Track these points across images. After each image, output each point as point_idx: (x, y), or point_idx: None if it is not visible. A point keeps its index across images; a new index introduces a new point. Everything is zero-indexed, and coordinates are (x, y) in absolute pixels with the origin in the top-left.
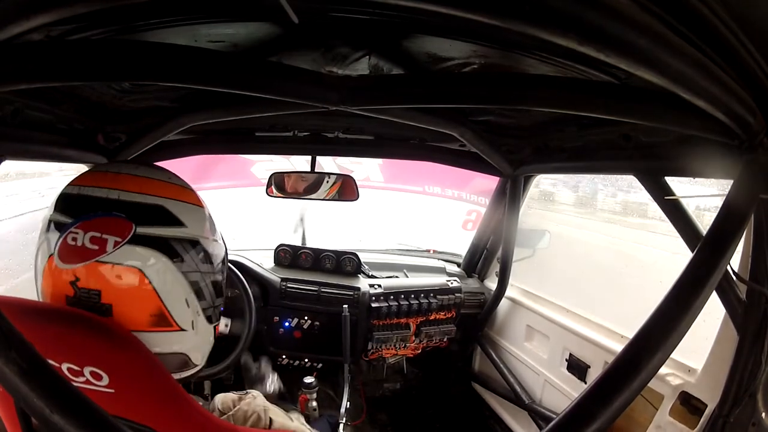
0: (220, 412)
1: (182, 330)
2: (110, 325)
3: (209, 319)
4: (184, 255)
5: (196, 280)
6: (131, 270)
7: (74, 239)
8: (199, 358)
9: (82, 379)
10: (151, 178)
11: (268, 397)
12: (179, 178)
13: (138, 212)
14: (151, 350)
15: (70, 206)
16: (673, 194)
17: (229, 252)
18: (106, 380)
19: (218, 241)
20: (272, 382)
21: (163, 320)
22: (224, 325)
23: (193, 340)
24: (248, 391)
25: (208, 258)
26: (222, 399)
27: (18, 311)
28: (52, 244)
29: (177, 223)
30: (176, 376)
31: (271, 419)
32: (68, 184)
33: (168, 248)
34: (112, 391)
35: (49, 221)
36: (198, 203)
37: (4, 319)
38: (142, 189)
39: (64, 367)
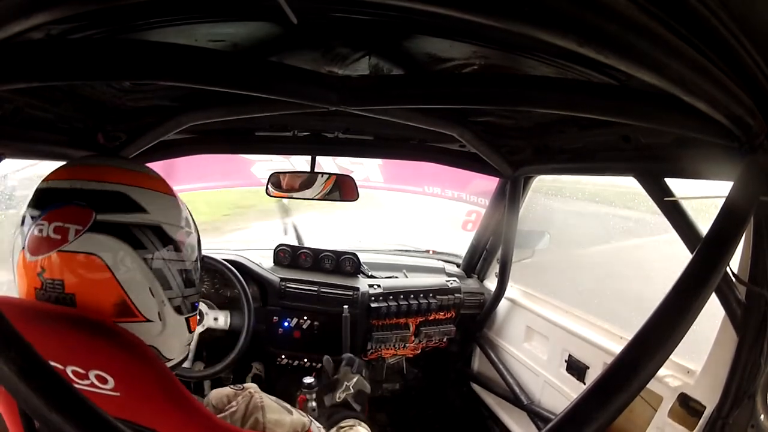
0: (213, 407)
1: (148, 321)
2: (116, 329)
3: (178, 310)
4: (146, 242)
5: (159, 268)
6: (91, 258)
7: (40, 230)
8: (173, 351)
9: (86, 382)
10: (112, 166)
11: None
12: (148, 168)
13: (98, 200)
14: None
15: (39, 200)
16: (672, 195)
17: (228, 252)
18: (111, 383)
19: (188, 230)
20: (344, 390)
21: (126, 310)
22: (213, 318)
23: (161, 331)
24: (243, 386)
25: (173, 245)
26: (216, 395)
27: (23, 313)
28: (23, 238)
29: (138, 209)
30: None
31: (267, 420)
32: (41, 180)
33: (128, 235)
34: (118, 394)
35: (23, 216)
36: (167, 191)
37: (4, 318)
38: (101, 177)
39: (69, 370)
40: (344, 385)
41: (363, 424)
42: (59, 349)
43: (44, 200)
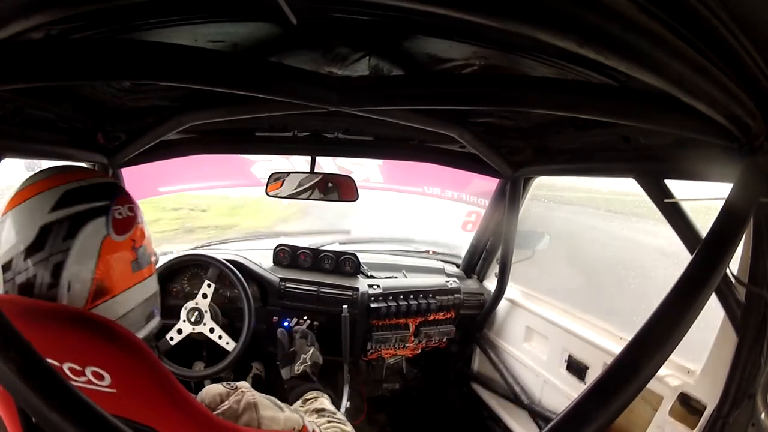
0: (207, 406)
1: None
2: (112, 325)
3: None
4: None
5: None
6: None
7: (120, 213)
8: None
9: (83, 379)
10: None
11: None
12: None
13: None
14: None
15: (93, 193)
16: (672, 196)
17: (228, 251)
18: (108, 380)
19: None
20: (301, 362)
21: None
22: (218, 336)
23: None
24: (236, 385)
25: None
26: (209, 394)
27: (19, 311)
28: (102, 226)
29: None
30: (155, 322)
31: (262, 416)
32: (66, 182)
33: None
34: (114, 391)
35: (76, 215)
36: None
37: (3, 317)
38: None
39: (66, 366)
40: (302, 358)
41: (324, 395)
42: (56, 346)
43: (101, 192)
